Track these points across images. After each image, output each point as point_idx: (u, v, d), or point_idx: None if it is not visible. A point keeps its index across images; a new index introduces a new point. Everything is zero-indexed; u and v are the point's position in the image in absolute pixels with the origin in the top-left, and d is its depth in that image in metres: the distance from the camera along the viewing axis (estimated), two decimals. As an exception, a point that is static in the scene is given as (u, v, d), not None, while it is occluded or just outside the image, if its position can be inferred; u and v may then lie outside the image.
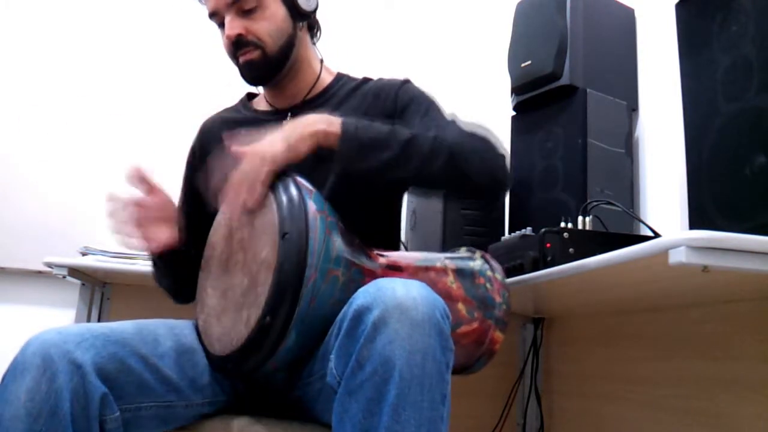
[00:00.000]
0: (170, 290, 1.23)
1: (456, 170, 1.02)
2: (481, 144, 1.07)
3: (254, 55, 1.14)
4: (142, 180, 1.07)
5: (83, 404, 0.81)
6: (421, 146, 1.01)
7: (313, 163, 1.10)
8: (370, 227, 1.11)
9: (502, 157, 1.08)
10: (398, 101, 1.20)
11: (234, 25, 1.12)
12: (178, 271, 1.17)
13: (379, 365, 0.73)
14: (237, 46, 1.14)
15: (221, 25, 1.16)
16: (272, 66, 1.16)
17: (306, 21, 1.22)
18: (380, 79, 1.26)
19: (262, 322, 0.85)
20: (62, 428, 0.79)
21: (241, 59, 1.15)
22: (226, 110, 1.33)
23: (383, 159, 0.99)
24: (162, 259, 1.15)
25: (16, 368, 0.82)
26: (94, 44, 2.17)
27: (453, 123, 1.13)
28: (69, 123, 2.11)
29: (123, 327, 0.94)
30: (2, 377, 0.83)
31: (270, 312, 0.84)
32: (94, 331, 0.88)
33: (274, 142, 0.95)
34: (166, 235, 1.08)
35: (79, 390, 0.81)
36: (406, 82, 1.24)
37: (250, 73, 1.16)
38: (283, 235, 0.85)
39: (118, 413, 0.85)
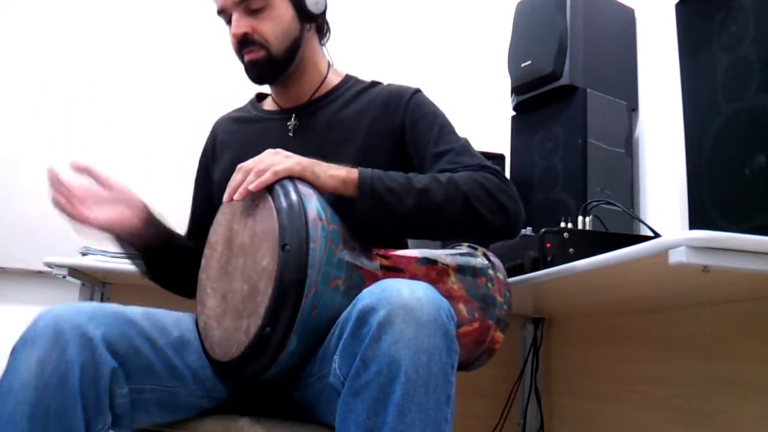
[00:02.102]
0: (165, 282, 1.22)
1: (470, 215, 1.02)
2: (492, 184, 1.05)
3: (259, 55, 1.14)
4: (88, 173, 1.07)
5: (93, 377, 0.82)
6: (436, 196, 1.01)
7: None
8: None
9: (514, 196, 1.07)
10: (407, 114, 1.18)
11: (240, 24, 1.13)
12: (160, 261, 1.17)
13: (385, 365, 0.73)
14: (242, 45, 1.14)
15: (229, 22, 1.16)
16: (276, 67, 1.16)
17: (314, 23, 1.22)
18: (390, 85, 1.25)
19: (262, 333, 0.85)
20: (71, 399, 0.79)
21: (246, 58, 1.15)
22: (236, 110, 1.34)
23: (399, 211, 0.99)
24: (123, 239, 1.13)
25: (26, 340, 0.82)
26: (95, 44, 2.17)
27: (466, 151, 1.12)
28: (69, 123, 2.10)
29: (132, 310, 0.95)
30: (12, 348, 0.83)
31: (270, 323, 0.84)
32: (105, 310, 0.89)
33: (301, 159, 0.97)
34: (108, 214, 1.06)
35: (89, 363, 0.82)
36: (417, 92, 1.22)
37: (254, 72, 1.16)
38: (283, 246, 0.84)
39: (126, 389, 0.86)
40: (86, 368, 0.81)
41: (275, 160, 0.95)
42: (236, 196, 0.95)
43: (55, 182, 1.02)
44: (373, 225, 1.00)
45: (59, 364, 0.80)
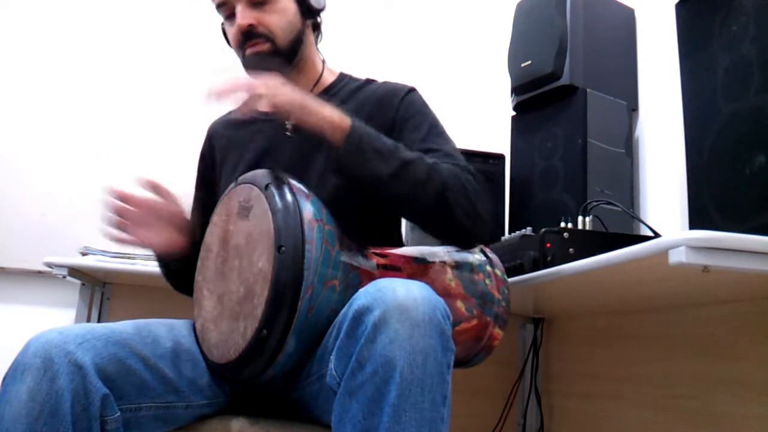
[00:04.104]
0: (176, 286, 1.23)
1: (443, 205, 1.01)
2: (472, 187, 1.04)
3: (264, 47, 1.13)
4: (155, 188, 1.07)
5: (84, 405, 0.81)
6: (417, 171, 1.00)
7: (315, 163, 1.10)
8: (372, 225, 1.11)
9: (488, 208, 1.05)
10: (399, 111, 1.17)
11: (246, 15, 1.12)
12: (186, 270, 1.17)
13: (380, 366, 0.73)
14: (247, 37, 1.13)
15: (229, 16, 1.15)
16: (280, 60, 1.15)
17: (314, 19, 1.22)
18: (385, 83, 1.24)
19: (259, 335, 0.84)
20: (63, 429, 0.79)
21: (249, 50, 1.14)
22: (231, 112, 1.33)
23: (379, 171, 0.98)
24: (166, 260, 1.16)
25: (16, 369, 0.82)
26: (95, 44, 2.17)
27: (452, 156, 1.10)
28: (69, 123, 2.10)
29: (123, 327, 0.94)
30: (3, 378, 0.83)
31: (266, 325, 0.84)
32: (95, 332, 0.88)
33: (295, 94, 0.97)
34: (164, 237, 1.08)
35: (80, 391, 0.81)
36: (411, 91, 1.21)
37: (257, 65, 1.14)
38: (278, 248, 0.84)
39: (118, 413, 0.85)
40: (77, 397, 0.81)
41: (271, 91, 0.95)
42: (212, 90, 0.94)
43: (117, 203, 1.04)
44: (347, 177, 0.99)
45: (50, 394, 0.79)
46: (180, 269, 1.16)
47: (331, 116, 0.98)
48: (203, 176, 1.30)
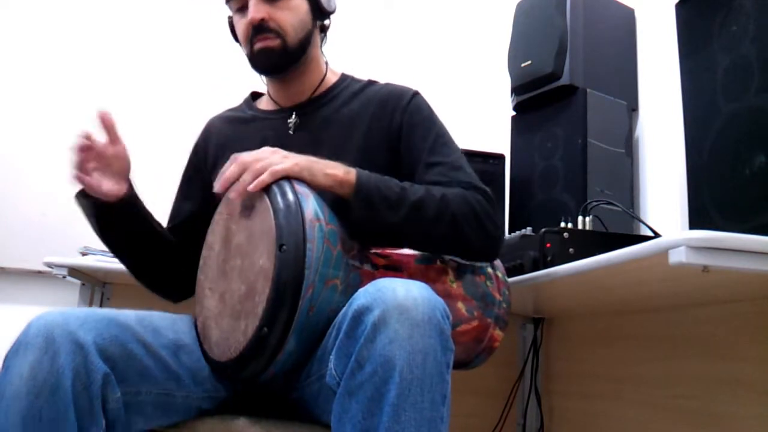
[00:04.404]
0: (137, 273, 1.23)
1: (456, 235, 1.02)
2: (482, 208, 1.04)
3: (274, 43, 1.13)
4: (108, 127, 1.11)
5: (85, 383, 0.81)
6: (428, 211, 1.00)
7: None
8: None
9: (498, 222, 1.06)
10: (405, 116, 1.17)
11: (259, 8, 1.12)
12: (137, 245, 1.17)
13: (379, 365, 0.73)
14: (257, 31, 1.13)
15: (240, 9, 1.15)
16: (288, 58, 1.15)
17: (323, 21, 1.22)
18: (387, 85, 1.24)
19: (259, 333, 0.85)
20: (63, 406, 0.79)
21: (259, 45, 1.13)
22: (231, 110, 1.33)
23: (390, 220, 0.98)
24: (108, 217, 1.14)
25: (18, 347, 0.82)
26: (95, 44, 2.17)
27: (459, 167, 1.10)
28: (69, 123, 2.10)
29: (125, 314, 0.94)
30: (4, 356, 0.83)
31: (267, 323, 0.84)
32: (97, 315, 0.89)
33: (299, 159, 0.97)
34: (110, 185, 1.10)
35: (81, 369, 0.81)
36: (416, 94, 1.21)
37: (265, 60, 1.15)
38: (280, 247, 0.85)
39: (119, 394, 0.85)
40: (78, 374, 0.81)
41: (273, 160, 0.94)
42: (232, 195, 0.95)
43: (85, 146, 1.09)
44: (363, 229, 0.99)
45: (51, 371, 0.79)
46: (119, 229, 1.15)
47: (335, 172, 0.98)
48: (193, 167, 1.29)
